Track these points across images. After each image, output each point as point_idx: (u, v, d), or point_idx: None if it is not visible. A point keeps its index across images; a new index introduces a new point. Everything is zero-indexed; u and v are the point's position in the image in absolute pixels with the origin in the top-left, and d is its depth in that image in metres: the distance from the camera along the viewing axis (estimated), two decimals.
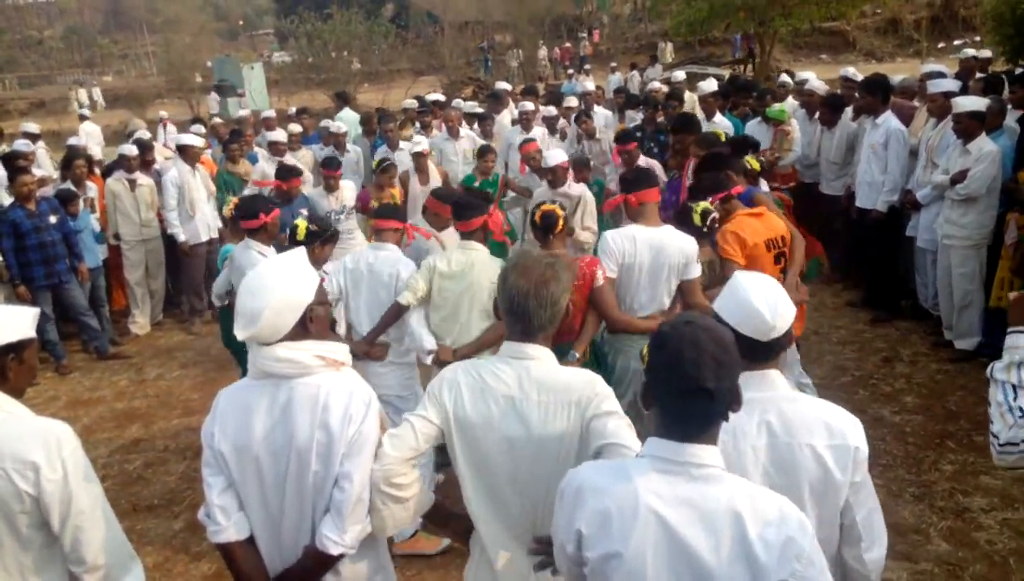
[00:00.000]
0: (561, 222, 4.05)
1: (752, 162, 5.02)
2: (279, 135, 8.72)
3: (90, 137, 11.72)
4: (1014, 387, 2.17)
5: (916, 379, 5.68)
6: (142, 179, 8.00)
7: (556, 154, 6.22)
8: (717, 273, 4.18)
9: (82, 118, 13.63)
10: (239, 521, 2.24)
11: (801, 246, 4.35)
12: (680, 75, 11.70)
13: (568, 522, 1.76)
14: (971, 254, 5.72)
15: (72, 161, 7.95)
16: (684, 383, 1.65)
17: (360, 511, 2.19)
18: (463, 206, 4.21)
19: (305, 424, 2.16)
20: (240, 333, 2.16)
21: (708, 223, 4.15)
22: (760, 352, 2.06)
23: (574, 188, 6.13)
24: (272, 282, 2.16)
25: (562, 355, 3.82)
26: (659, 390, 1.72)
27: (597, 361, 4.13)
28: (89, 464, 2.26)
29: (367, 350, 4.22)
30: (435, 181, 7.19)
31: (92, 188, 7.95)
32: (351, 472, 2.16)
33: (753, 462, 2.00)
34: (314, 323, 2.23)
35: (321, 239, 4.62)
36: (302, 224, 4.58)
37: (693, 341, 1.66)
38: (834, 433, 2.00)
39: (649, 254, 3.93)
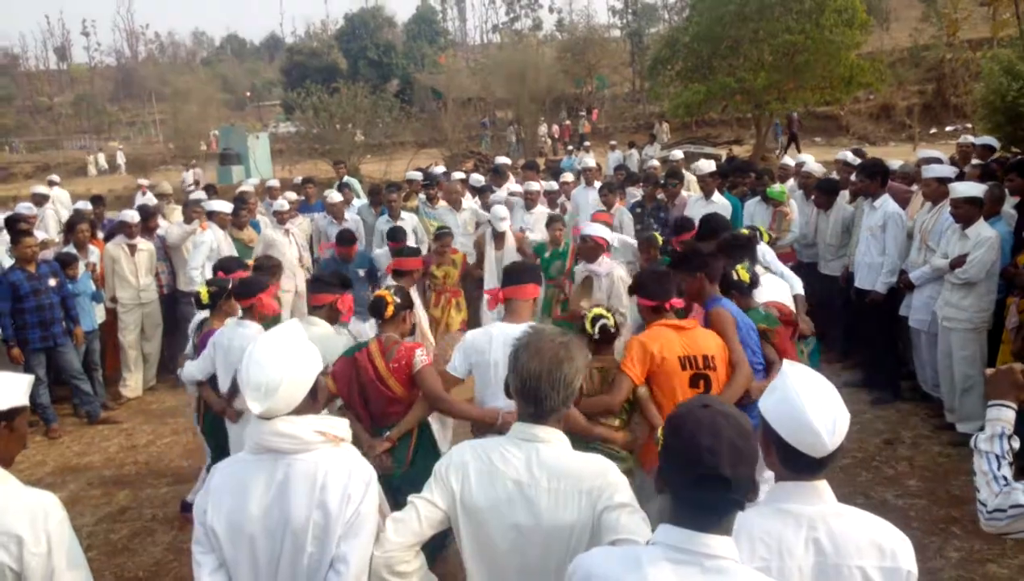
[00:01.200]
0: (391, 308, 3.87)
1: (742, 272, 4.27)
2: (283, 204, 8.84)
3: (57, 201, 11.95)
4: (997, 457, 2.24)
5: (918, 462, 5.60)
6: (142, 244, 8.06)
7: (593, 226, 6.02)
8: (607, 382, 3.78)
9: (51, 184, 13.83)
10: None
11: (743, 376, 3.74)
12: (678, 154, 11.89)
13: None
14: (972, 337, 5.72)
15: (75, 225, 8.01)
16: (700, 469, 1.59)
17: None
18: (316, 281, 4.48)
19: (302, 503, 2.09)
20: (255, 406, 2.11)
21: (598, 331, 3.80)
22: (809, 466, 1.92)
23: (604, 265, 5.85)
24: (286, 353, 2.14)
25: (378, 435, 3.77)
26: (674, 475, 1.66)
27: (425, 449, 3.92)
28: (75, 538, 2.19)
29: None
30: (511, 248, 7.36)
31: (94, 252, 8.00)
32: (347, 555, 2.08)
33: None
34: (319, 393, 2.23)
35: (225, 294, 4.77)
36: (203, 290, 4.73)
37: (711, 426, 1.62)
38: (885, 555, 1.87)
39: (503, 351, 3.44)
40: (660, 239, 6.19)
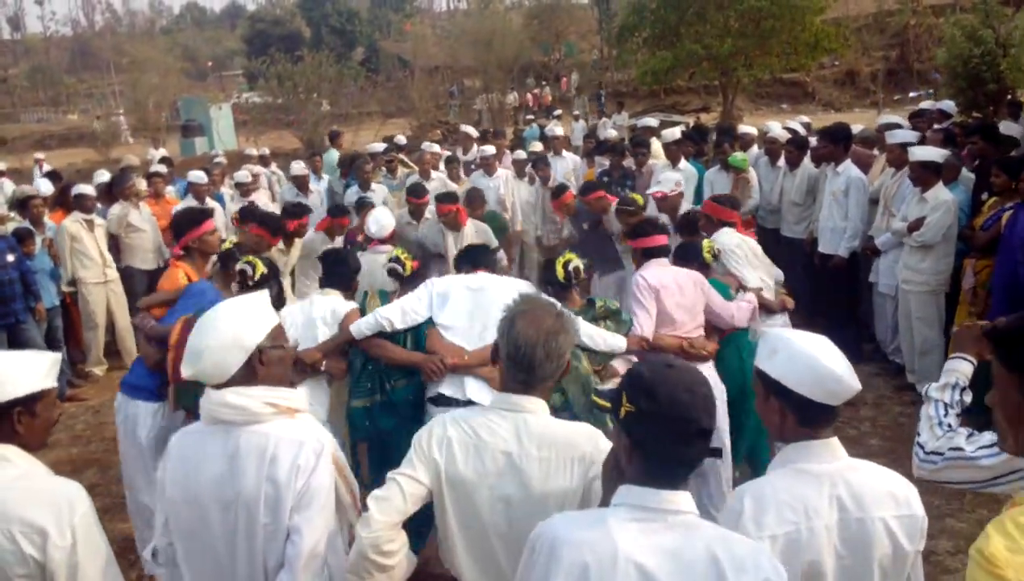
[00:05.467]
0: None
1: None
2: (244, 175, 8.71)
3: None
4: (946, 405, 2.26)
5: (880, 422, 5.73)
6: (98, 219, 7.87)
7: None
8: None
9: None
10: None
11: None
12: (652, 121, 11.78)
13: (543, 578, 1.69)
14: (929, 300, 5.84)
15: (29, 199, 7.78)
16: (684, 427, 1.63)
17: (315, 565, 2.11)
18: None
19: (252, 475, 2.09)
20: (184, 370, 2.11)
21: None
22: (824, 418, 1.95)
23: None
24: (222, 320, 2.13)
25: None
26: (654, 437, 1.67)
27: None
28: (100, 529, 2.12)
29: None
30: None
31: (51, 227, 7.76)
32: (300, 526, 2.09)
33: (827, 542, 1.87)
34: (266, 366, 2.17)
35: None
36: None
37: (686, 385, 1.66)
38: (900, 503, 1.93)
39: None
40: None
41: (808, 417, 1.94)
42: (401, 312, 3.71)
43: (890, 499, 1.92)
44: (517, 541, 2.06)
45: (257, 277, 4.11)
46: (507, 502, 2.09)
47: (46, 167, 15.03)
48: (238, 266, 4.22)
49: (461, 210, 6.39)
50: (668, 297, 4.05)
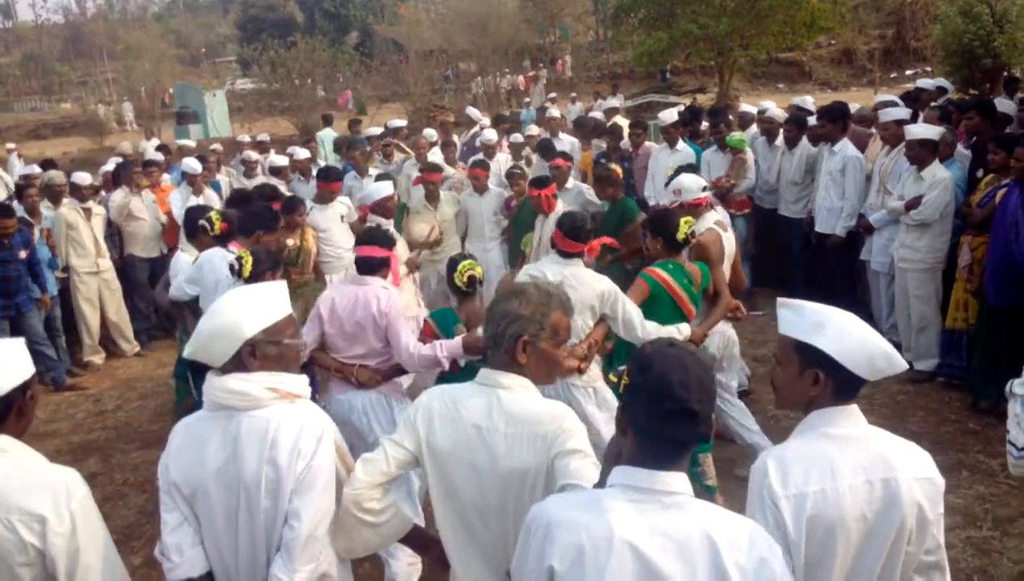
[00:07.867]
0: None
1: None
2: (250, 154, 8.72)
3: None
4: None
5: (877, 400, 5.75)
6: (96, 208, 7.85)
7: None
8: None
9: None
10: (193, 557, 2.19)
11: None
12: (615, 102, 11.83)
13: (538, 559, 1.70)
14: (927, 278, 5.85)
15: (25, 190, 7.76)
16: (670, 405, 1.63)
17: (312, 549, 2.14)
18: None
19: (253, 459, 2.12)
20: (186, 349, 2.21)
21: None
22: (855, 390, 2.00)
23: None
24: (224, 307, 2.19)
25: None
26: (641, 412, 1.69)
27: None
28: (99, 514, 2.14)
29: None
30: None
31: (47, 217, 7.73)
32: (299, 510, 2.12)
33: (851, 502, 1.91)
34: (259, 360, 2.18)
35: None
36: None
37: (680, 363, 1.66)
38: (919, 467, 1.97)
39: None
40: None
41: (846, 390, 1.98)
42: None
43: (911, 462, 1.96)
44: (491, 513, 2.16)
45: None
46: (477, 473, 2.16)
47: (22, 159, 15.14)
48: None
49: (549, 196, 6.16)
50: (330, 322, 3.93)
